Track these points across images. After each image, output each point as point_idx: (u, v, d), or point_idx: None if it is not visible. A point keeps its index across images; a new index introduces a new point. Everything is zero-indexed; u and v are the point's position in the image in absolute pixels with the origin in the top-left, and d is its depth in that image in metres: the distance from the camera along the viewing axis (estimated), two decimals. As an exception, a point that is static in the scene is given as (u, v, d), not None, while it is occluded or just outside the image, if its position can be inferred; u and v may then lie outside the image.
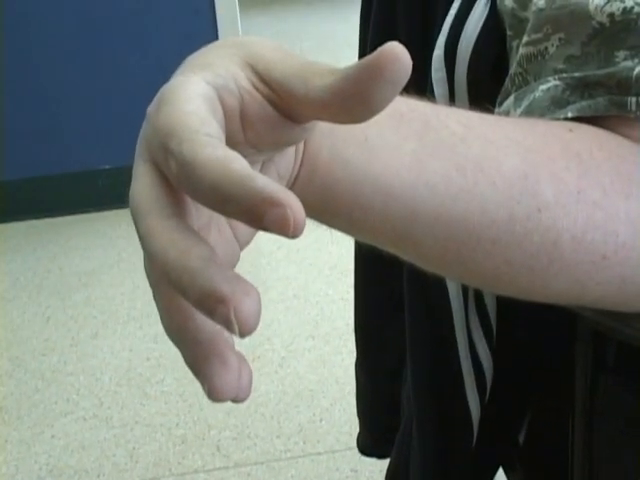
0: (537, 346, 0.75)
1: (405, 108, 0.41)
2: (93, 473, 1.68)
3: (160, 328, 2.06)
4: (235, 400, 0.32)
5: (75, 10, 2.65)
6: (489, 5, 0.59)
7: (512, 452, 0.81)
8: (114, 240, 2.64)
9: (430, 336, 0.72)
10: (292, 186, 0.39)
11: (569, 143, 0.44)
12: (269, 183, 0.28)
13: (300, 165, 0.39)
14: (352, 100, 0.31)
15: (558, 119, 0.47)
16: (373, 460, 1.03)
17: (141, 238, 0.31)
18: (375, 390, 0.94)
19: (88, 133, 2.78)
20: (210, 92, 0.33)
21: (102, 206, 2.81)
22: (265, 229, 0.28)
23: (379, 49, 0.30)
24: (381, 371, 0.91)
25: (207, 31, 2.72)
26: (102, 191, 2.81)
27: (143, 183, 0.32)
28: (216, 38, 2.72)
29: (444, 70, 0.63)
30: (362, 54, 0.77)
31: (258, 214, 0.27)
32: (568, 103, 0.47)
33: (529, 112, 0.49)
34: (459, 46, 0.61)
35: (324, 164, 0.39)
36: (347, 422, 1.76)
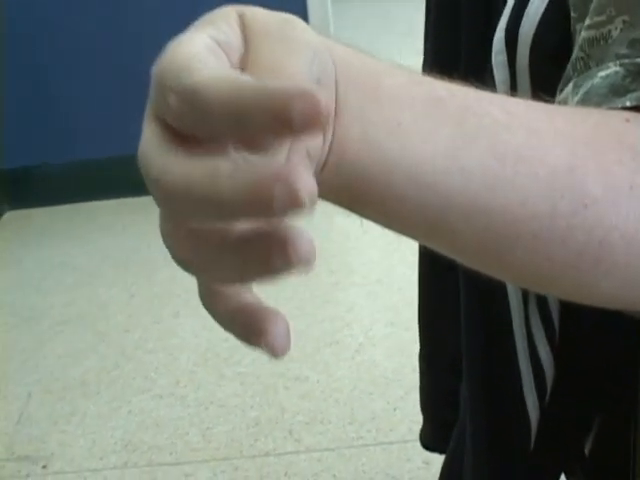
0: (604, 348, 0.71)
1: (444, 93, 0.38)
2: (166, 450, 1.70)
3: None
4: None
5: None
6: None
7: (576, 462, 0.77)
8: (201, 220, 2.67)
9: (486, 332, 0.69)
10: (320, 172, 0.37)
11: (624, 135, 0.40)
12: (284, 82, 0.27)
13: (329, 150, 0.36)
14: None
15: (616, 108, 0.43)
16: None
17: (155, 183, 0.29)
18: (436, 384, 0.91)
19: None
20: (213, 46, 0.32)
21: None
22: (295, 130, 0.26)
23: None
24: (442, 365, 0.88)
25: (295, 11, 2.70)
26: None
27: (148, 137, 0.31)
28: (305, 18, 2.70)
29: (505, 54, 0.59)
30: (426, 31, 0.74)
31: (285, 113, 0.26)
32: (628, 91, 0.44)
33: (585, 100, 0.46)
34: (521, 28, 0.58)
35: (353, 149, 0.36)
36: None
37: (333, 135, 0.36)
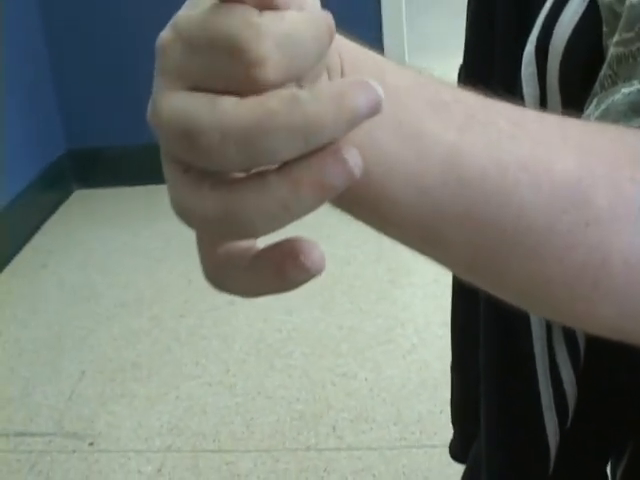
0: (631, 371, 0.69)
1: (450, 98, 0.37)
2: (209, 438, 1.72)
3: (296, 301, 2.07)
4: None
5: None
6: None
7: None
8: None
9: (505, 352, 0.67)
10: None
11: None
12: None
13: None
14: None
15: (633, 127, 0.41)
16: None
17: (214, 134, 0.29)
18: (465, 397, 0.89)
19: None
20: None
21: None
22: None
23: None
24: (470, 379, 0.86)
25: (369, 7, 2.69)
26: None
27: (175, 103, 0.30)
28: (378, 12, 2.69)
29: (534, 66, 0.57)
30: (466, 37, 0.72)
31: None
32: None
33: (604, 116, 0.44)
34: (552, 41, 0.56)
35: (356, 143, 0.35)
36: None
37: None
